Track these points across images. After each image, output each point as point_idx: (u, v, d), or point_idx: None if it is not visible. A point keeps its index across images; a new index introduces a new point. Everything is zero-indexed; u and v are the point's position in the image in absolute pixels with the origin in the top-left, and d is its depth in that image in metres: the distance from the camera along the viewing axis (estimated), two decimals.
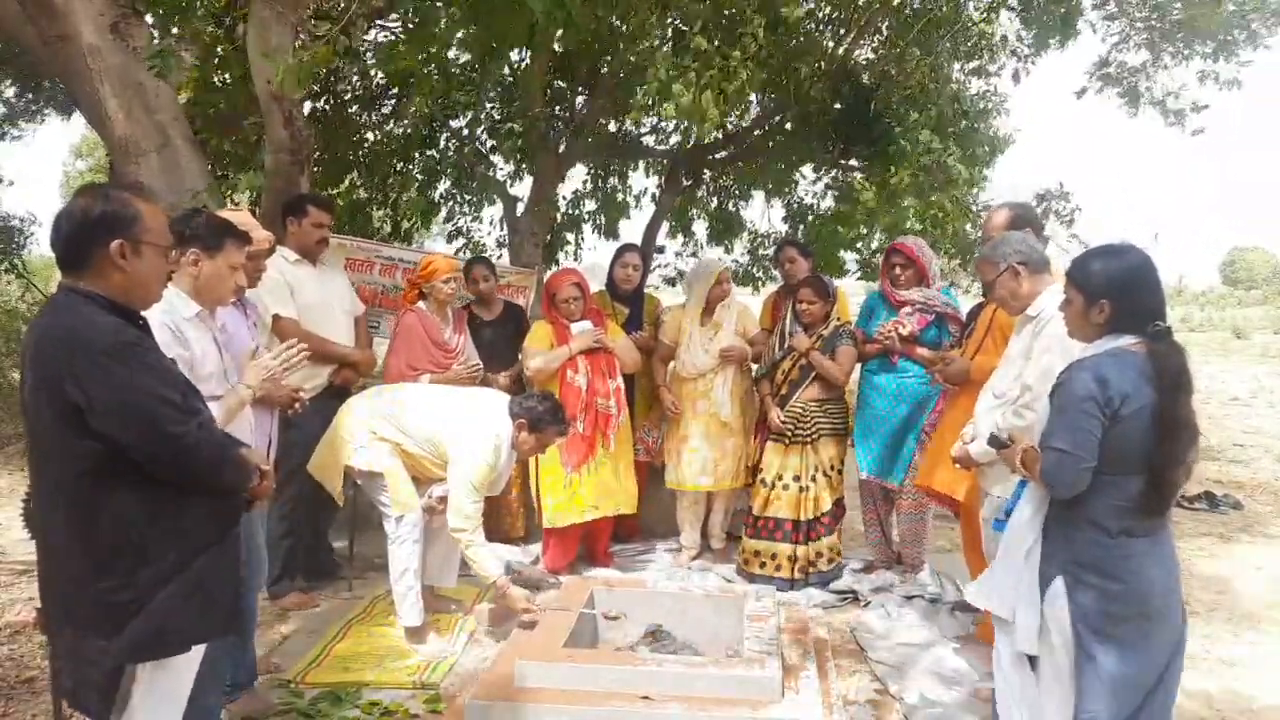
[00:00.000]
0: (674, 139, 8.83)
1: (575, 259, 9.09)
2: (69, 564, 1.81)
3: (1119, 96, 7.78)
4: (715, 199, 9.63)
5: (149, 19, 4.58)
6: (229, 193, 4.46)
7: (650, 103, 4.98)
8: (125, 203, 1.87)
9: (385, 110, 8.11)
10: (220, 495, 1.98)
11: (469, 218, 8.94)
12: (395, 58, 5.83)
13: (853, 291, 6.49)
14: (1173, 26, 6.99)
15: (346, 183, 7.96)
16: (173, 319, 2.41)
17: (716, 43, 4.99)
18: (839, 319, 4.39)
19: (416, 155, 7.92)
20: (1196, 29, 6.78)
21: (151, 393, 1.79)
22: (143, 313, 2.09)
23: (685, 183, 8.89)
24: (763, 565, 4.31)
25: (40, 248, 11.94)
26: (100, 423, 1.73)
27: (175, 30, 4.74)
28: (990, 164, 7.76)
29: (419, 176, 8.12)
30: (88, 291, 1.82)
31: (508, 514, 4.87)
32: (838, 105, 6.77)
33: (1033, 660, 2.27)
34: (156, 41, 4.41)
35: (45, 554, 1.87)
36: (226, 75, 6.11)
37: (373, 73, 7.78)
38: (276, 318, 3.77)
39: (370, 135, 7.88)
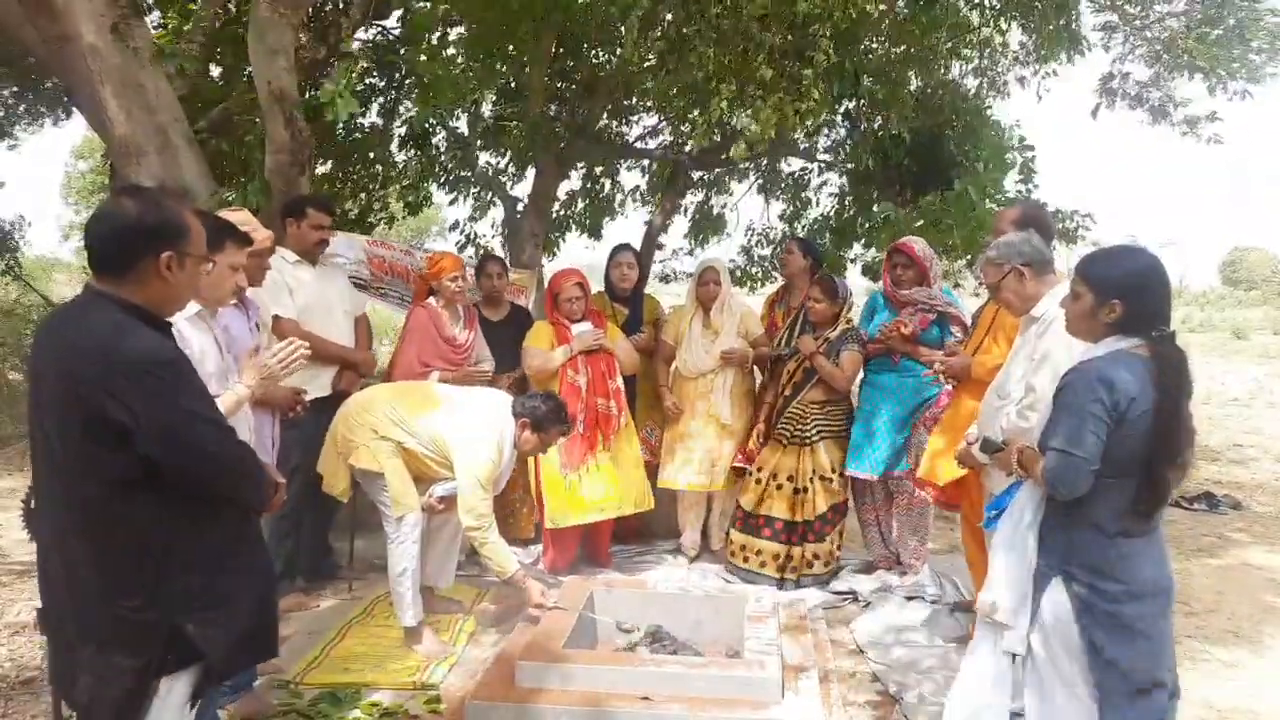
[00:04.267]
0: (660, 140, 8.85)
1: (551, 257, 9.11)
2: (91, 580, 1.76)
3: (1129, 109, 7.79)
4: (703, 193, 9.60)
5: (154, 16, 4.59)
6: (229, 198, 4.47)
7: (711, 126, 5.03)
8: (178, 213, 1.82)
9: (377, 106, 8.10)
10: (238, 506, 1.95)
11: (471, 218, 8.95)
12: (428, 99, 5.87)
13: (857, 292, 6.47)
14: (1172, 43, 7.00)
15: (335, 177, 7.93)
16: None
17: (786, 65, 4.96)
18: (849, 322, 4.39)
19: (398, 151, 7.89)
20: (1191, 53, 6.80)
21: (193, 411, 1.76)
22: None
23: (679, 182, 8.89)
24: (747, 560, 4.34)
25: (33, 248, 11.96)
26: (148, 444, 1.69)
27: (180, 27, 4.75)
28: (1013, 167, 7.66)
29: (397, 172, 8.09)
30: (123, 300, 1.76)
31: (510, 514, 4.87)
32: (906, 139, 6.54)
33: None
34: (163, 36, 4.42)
35: (62, 569, 1.81)
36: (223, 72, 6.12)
37: (360, 68, 7.78)
38: (276, 319, 3.76)
39: (358, 128, 7.85)
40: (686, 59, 5.23)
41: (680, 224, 9.77)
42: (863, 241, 8.29)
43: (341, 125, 7.47)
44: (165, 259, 1.77)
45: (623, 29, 5.65)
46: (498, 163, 8.59)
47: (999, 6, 6.10)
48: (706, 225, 9.32)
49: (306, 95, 4.47)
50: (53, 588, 1.84)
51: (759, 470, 4.37)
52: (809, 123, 4.99)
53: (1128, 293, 2.13)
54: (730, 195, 9.50)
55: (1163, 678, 2.17)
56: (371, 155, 7.61)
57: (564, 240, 9.15)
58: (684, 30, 5.08)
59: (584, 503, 4.29)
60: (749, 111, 4.72)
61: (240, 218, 2.90)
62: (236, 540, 1.92)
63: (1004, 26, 6.42)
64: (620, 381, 4.45)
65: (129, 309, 1.75)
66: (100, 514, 1.74)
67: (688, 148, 7.97)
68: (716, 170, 9.11)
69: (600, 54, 7.34)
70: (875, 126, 6.54)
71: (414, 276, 5.41)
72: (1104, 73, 7.73)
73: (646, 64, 5.16)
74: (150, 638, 1.75)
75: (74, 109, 7.83)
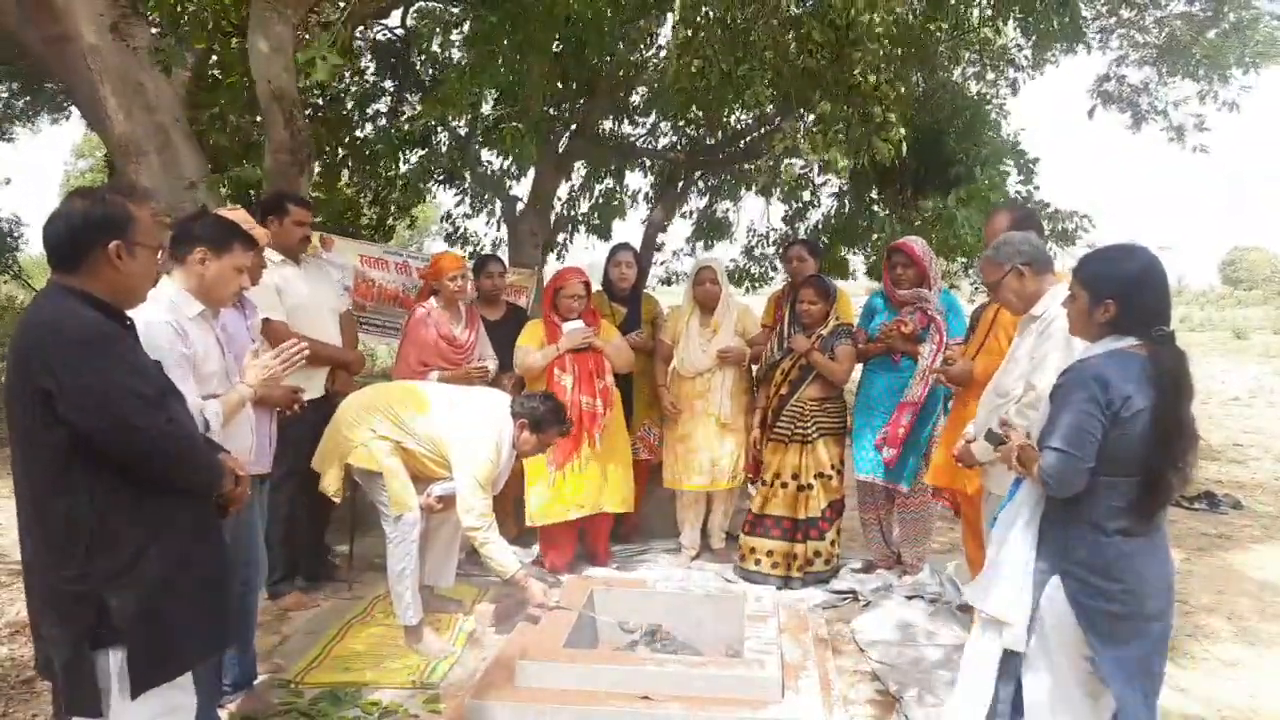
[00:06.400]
0: (666, 140, 8.86)
1: (559, 258, 9.14)
2: (43, 554, 1.85)
3: (1120, 112, 7.84)
4: (707, 197, 9.62)
5: (153, 17, 4.60)
6: (226, 192, 4.48)
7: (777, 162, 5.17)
8: (120, 205, 1.91)
9: (379, 107, 8.14)
10: (189, 495, 1.98)
11: (467, 216, 8.98)
12: (436, 104, 5.91)
13: (855, 292, 6.47)
14: (1171, 43, 7.03)
15: (342, 179, 7.96)
16: (176, 317, 2.41)
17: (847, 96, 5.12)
18: (839, 319, 4.39)
19: (405, 153, 7.93)
20: (1189, 53, 6.82)
21: (122, 384, 1.80)
22: (146, 310, 2.10)
23: (679, 184, 8.90)
24: (758, 562, 4.34)
25: (33, 248, 12.03)
26: (67, 410, 1.75)
27: (180, 26, 4.75)
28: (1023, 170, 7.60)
29: (406, 175, 8.12)
30: (75, 288, 1.85)
31: (512, 512, 4.87)
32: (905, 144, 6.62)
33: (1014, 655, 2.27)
34: (157, 35, 4.43)
35: (22, 544, 1.91)
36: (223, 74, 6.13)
37: (367, 71, 7.83)
38: (266, 321, 3.63)
39: (362, 131, 7.87)
40: (742, 97, 5.31)
41: (682, 226, 9.82)
42: (864, 244, 8.31)
43: (355, 126, 7.54)
44: (113, 248, 1.87)
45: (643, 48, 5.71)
46: (498, 163, 8.62)
47: (999, 6, 6.11)
48: (710, 229, 9.34)
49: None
50: (27, 566, 1.93)
51: (764, 473, 4.37)
52: (890, 150, 5.14)
53: (1122, 293, 2.13)
54: (734, 201, 9.52)
55: (1155, 683, 2.17)
56: (379, 153, 7.63)
57: (570, 242, 9.19)
58: (736, 72, 5.14)
59: (567, 500, 4.28)
60: (811, 147, 4.85)
61: (240, 217, 2.90)
62: (175, 526, 1.92)
63: (1001, 26, 6.44)
64: (610, 380, 4.42)
65: (80, 296, 1.84)
66: (40, 488, 1.83)
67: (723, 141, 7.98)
68: (722, 174, 9.14)
69: (601, 55, 7.36)
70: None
71: (404, 300, 5.45)
72: (1100, 74, 7.78)
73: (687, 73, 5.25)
74: (79, 608, 1.81)
75: (72, 108, 7.87)
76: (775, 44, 5.10)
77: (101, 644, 1.82)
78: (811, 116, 5.16)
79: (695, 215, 9.62)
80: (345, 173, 8.02)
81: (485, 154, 8.31)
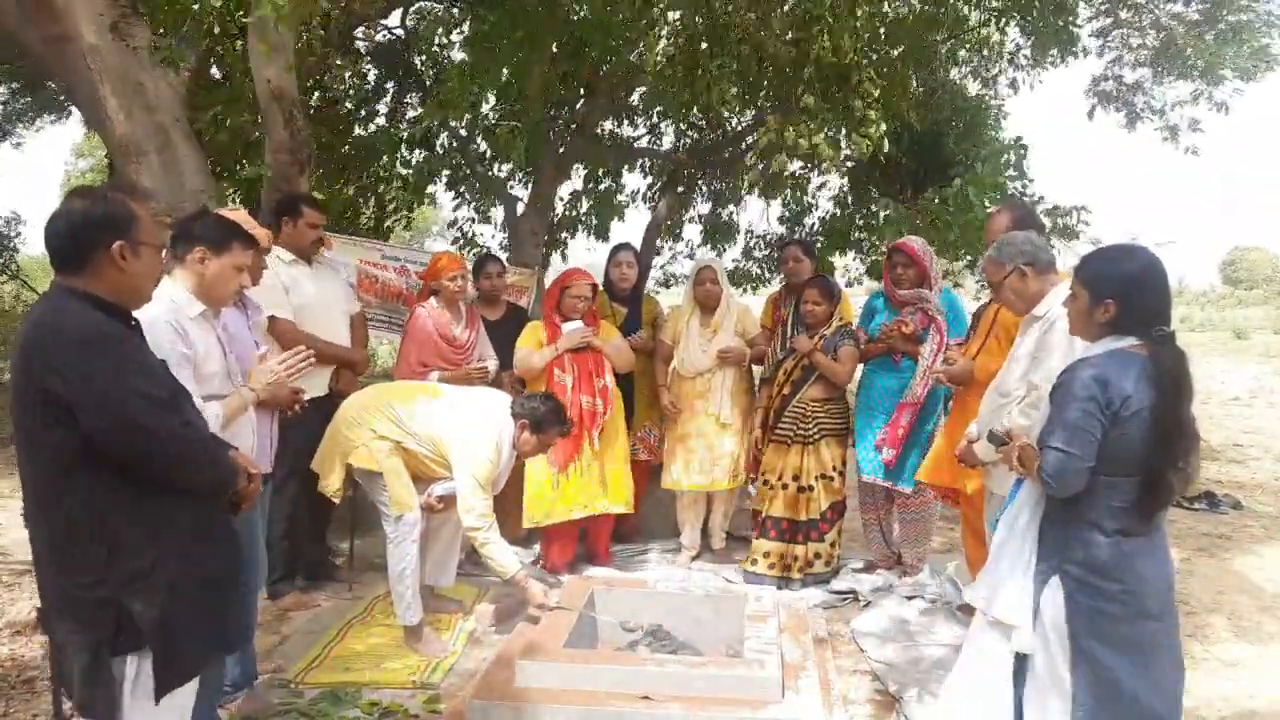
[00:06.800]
0: (669, 142, 8.84)
1: (564, 258, 9.14)
2: (49, 559, 1.84)
3: (1116, 111, 7.86)
4: (710, 203, 9.61)
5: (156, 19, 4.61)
6: (231, 193, 4.49)
7: (763, 156, 5.22)
8: (123, 204, 1.89)
9: (379, 107, 8.13)
10: (201, 495, 1.96)
11: (471, 219, 8.96)
12: (437, 106, 5.93)
13: (854, 292, 6.47)
14: (1168, 47, 7.05)
15: (342, 181, 7.95)
16: (176, 317, 2.42)
17: (830, 90, 5.19)
18: (841, 319, 4.39)
19: (405, 153, 7.93)
20: (1185, 54, 6.84)
21: (129, 386, 1.79)
22: (148, 310, 2.10)
23: (680, 188, 8.89)
24: (754, 563, 4.35)
25: (29, 248, 12.02)
26: (78, 413, 1.74)
27: (181, 29, 4.76)
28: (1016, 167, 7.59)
29: (406, 174, 8.12)
30: (79, 289, 1.84)
31: (512, 511, 4.85)
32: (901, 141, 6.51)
33: (1020, 658, 2.26)
34: (159, 36, 4.44)
35: (31, 546, 1.89)
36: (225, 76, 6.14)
37: (367, 71, 7.82)
38: (272, 319, 3.71)
39: (361, 130, 7.87)
40: (711, 92, 5.33)
41: (688, 231, 9.80)
42: (861, 246, 8.30)
43: (355, 124, 7.54)
44: (117, 249, 1.85)
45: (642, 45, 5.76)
46: (499, 166, 8.61)
47: (999, 7, 6.10)
48: (716, 232, 9.36)
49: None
50: (37, 568, 1.91)
51: (767, 474, 4.37)
52: (869, 145, 5.16)
53: (1122, 293, 2.13)
54: (737, 204, 9.51)
55: (1154, 704, 2.13)
56: (384, 157, 7.62)
57: (571, 239, 9.19)
58: (710, 68, 5.12)
59: (569, 500, 4.27)
60: (799, 136, 4.87)
61: (240, 217, 2.90)
62: (175, 526, 1.90)
63: (1002, 25, 6.43)
64: (609, 380, 4.42)
65: (84, 297, 1.83)
66: (47, 493, 1.81)
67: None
68: (725, 178, 9.13)
69: (603, 55, 7.37)
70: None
71: (407, 298, 5.47)
72: (1096, 74, 7.80)
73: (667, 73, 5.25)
74: (100, 614, 1.79)
75: (73, 108, 7.87)
76: (748, 37, 5.09)
77: (122, 650, 1.80)
78: (797, 110, 5.17)
79: (702, 220, 9.62)
80: (348, 174, 8.00)
81: (487, 157, 8.32)
